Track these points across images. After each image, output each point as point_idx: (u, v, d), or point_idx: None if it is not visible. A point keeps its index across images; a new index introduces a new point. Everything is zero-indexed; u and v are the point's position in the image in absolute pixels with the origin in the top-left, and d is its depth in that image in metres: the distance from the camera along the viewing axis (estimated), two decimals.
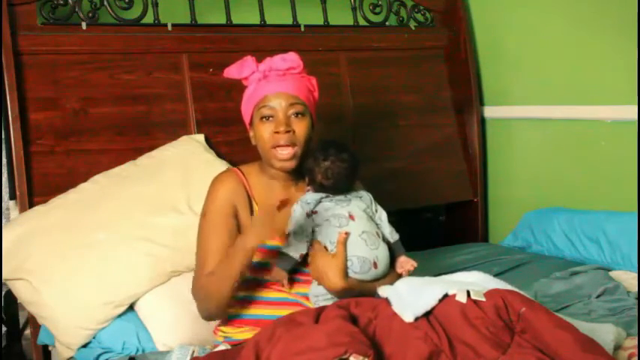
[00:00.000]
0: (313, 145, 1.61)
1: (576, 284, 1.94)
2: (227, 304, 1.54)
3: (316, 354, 1.15)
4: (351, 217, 1.54)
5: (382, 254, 1.53)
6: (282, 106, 1.56)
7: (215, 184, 1.63)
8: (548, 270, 2.08)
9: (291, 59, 1.59)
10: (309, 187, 1.61)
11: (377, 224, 1.60)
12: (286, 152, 1.56)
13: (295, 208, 1.56)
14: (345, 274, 1.49)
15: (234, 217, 1.59)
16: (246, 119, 1.64)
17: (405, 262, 1.59)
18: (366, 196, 1.63)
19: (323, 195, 1.57)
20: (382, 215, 1.62)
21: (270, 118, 1.57)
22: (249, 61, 1.60)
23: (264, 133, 1.57)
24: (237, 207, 1.60)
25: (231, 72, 1.63)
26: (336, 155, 1.56)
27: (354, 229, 1.52)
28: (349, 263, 1.49)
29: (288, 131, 1.54)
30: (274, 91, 1.57)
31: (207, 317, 1.59)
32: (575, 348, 1.15)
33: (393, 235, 1.60)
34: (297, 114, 1.57)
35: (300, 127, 1.57)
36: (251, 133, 1.63)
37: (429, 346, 1.18)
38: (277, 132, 1.55)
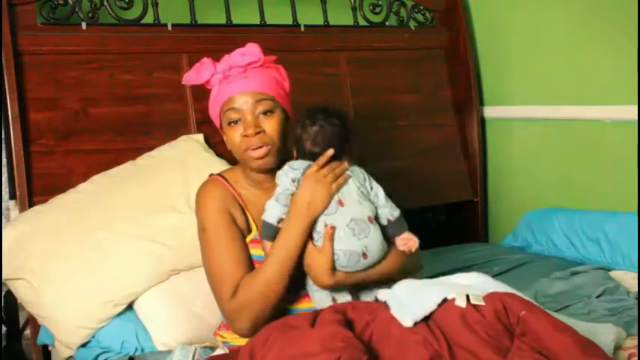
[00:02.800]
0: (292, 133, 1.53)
1: (576, 284, 1.94)
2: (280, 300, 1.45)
3: (310, 359, 1.14)
4: (340, 202, 1.45)
5: (373, 241, 1.45)
6: (248, 106, 1.48)
7: (202, 195, 1.56)
8: (548, 270, 2.08)
9: (250, 52, 1.49)
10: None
11: (373, 202, 1.50)
12: (258, 152, 1.49)
13: (279, 173, 1.49)
14: (333, 269, 1.43)
15: (235, 223, 1.53)
16: (216, 123, 1.58)
17: (407, 239, 1.50)
18: (358, 171, 1.51)
19: (312, 163, 1.48)
20: (379, 192, 1.51)
21: (238, 122, 1.50)
22: (206, 63, 1.52)
23: (234, 138, 1.50)
24: (231, 213, 1.53)
25: (190, 78, 1.54)
26: (325, 119, 1.47)
27: (342, 217, 1.44)
28: (335, 257, 1.42)
29: (257, 132, 1.48)
30: (238, 91, 1.49)
31: (255, 327, 1.43)
32: (575, 351, 1.15)
33: (393, 212, 1.50)
34: (265, 112, 1.49)
35: (271, 125, 1.49)
36: (224, 137, 1.57)
37: (428, 351, 1.18)
38: (246, 135, 1.48)
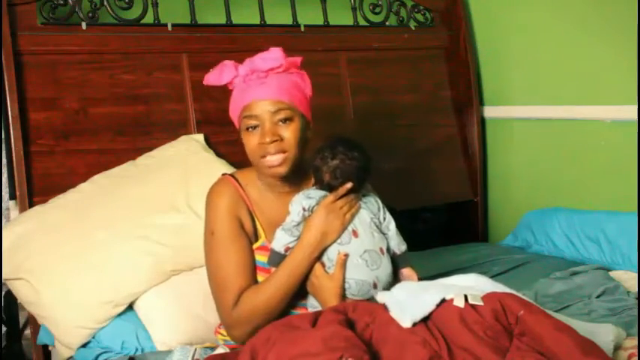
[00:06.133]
0: (322, 143, 1.51)
1: (576, 284, 1.94)
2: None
3: (312, 358, 1.14)
4: (354, 233, 1.46)
5: (383, 272, 1.46)
6: (266, 113, 1.46)
7: (213, 196, 1.55)
8: (548, 270, 2.08)
9: (272, 58, 1.46)
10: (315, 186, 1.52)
11: (384, 234, 1.52)
12: (275, 158, 1.47)
13: (294, 200, 1.50)
14: (342, 297, 1.44)
15: (243, 229, 1.52)
16: (236, 124, 1.56)
17: (409, 275, 1.53)
18: (374, 201, 1.54)
19: (328, 194, 1.48)
20: (390, 225, 1.53)
21: (256, 128, 1.47)
22: (228, 65, 1.50)
23: (250, 144, 1.48)
24: (240, 218, 1.53)
25: (211, 79, 1.52)
26: (345, 153, 1.46)
27: (356, 248, 1.45)
28: (347, 285, 1.44)
29: (274, 140, 1.45)
30: (256, 98, 1.46)
31: (251, 337, 1.38)
32: (575, 351, 1.15)
33: (400, 247, 1.53)
34: (284, 120, 1.47)
35: (289, 133, 1.47)
36: (242, 140, 1.54)
37: (427, 351, 1.18)
38: (263, 143, 1.46)
